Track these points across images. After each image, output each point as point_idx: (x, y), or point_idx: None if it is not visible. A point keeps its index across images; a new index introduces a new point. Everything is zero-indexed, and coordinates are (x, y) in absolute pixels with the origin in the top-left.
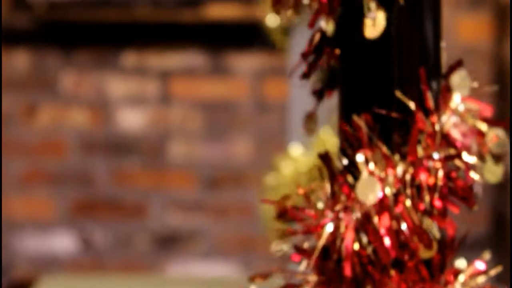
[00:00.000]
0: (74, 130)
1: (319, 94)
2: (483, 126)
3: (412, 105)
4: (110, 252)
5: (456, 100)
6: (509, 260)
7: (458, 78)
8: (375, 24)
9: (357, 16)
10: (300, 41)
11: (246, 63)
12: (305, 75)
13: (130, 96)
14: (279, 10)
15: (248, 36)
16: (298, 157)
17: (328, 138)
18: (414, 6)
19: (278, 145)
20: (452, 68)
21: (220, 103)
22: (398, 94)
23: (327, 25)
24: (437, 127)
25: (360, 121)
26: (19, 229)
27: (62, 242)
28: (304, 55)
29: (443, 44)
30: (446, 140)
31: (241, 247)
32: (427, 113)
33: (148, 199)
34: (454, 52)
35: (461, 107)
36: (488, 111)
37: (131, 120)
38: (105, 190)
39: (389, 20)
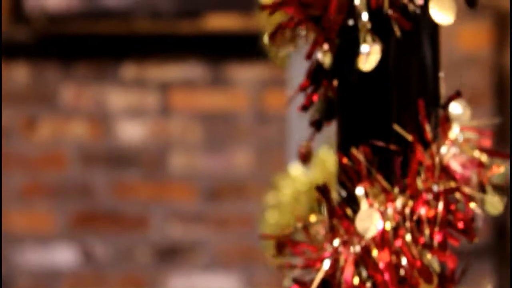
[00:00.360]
0: (74, 143)
1: (317, 125)
2: (483, 157)
3: (410, 137)
4: (111, 264)
5: (455, 130)
6: (509, 270)
7: (457, 108)
8: (369, 57)
9: (354, 47)
10: (299, 55)
11: (246, 74)
12: (304, 107)
13: (130, 108)
14: (277, 43)
15: (248, 47)
16: (298, 176)
17: (328, 158)
18: (412, 37)
19: (279, 156)
20: (451, 98)
21: (220, 115)
22: (396, 127)
23: (324, 57)
24: (436, 159)
25: (358, 153)
26: (19, 243)
27: (63, 255)
28: (302, 87)
29: (441, 74)
30: (446, 172)
31: (242, 258)
32: (426, 144)
33: (149, 211)
34: (454, 61)
35: (461, 138)
36: (487, 141)
37: (131, 132)
38: (105, 203)
39: (386, 51)
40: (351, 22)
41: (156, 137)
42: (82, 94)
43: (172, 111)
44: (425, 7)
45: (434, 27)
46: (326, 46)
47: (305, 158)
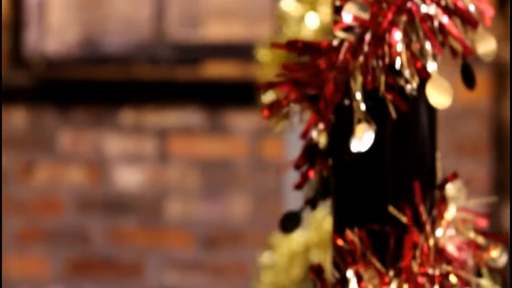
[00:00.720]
0: (71, 189)
1: (312, 203)
2: (479, 239)
3: (405, 220)
4: None
5: (452, 211)
6: None
7: (453, 189)
8: (363, 138)
9: (349, 128)
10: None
11: (243, 121)
12: (298, 186)
13: (128, 154)
14: (272, 118)
15: (246, 94)
16: (294, 236)
17: (324, 219)
18: (409, 117)
19: (276, 204)
20: (448, 179)
21: (217, 162)
22: (392, 209)
23: (319, 136)
24: (431, 242)
25: (353, 236)
26: None
27: None
28: (297, 166)
29: (438, 154)
30: (441, 255)
31: None
32: (422, 226)
33: (145, 258)
34: (453, 112)
35: (457, 219)
36: (484, 221)
37: (128, 178)
38: (101, 249)
39: (382, 132)
40: (346, 102)
41: (153, 184)
42: (79, 139)
43: (169, 157)
44: (422, 88)
45: (431, 108)
46: (321, 125)
47: (289, 228)
